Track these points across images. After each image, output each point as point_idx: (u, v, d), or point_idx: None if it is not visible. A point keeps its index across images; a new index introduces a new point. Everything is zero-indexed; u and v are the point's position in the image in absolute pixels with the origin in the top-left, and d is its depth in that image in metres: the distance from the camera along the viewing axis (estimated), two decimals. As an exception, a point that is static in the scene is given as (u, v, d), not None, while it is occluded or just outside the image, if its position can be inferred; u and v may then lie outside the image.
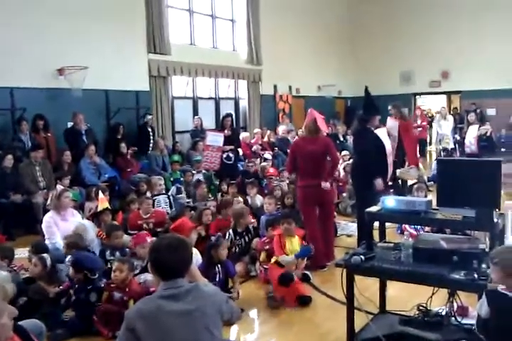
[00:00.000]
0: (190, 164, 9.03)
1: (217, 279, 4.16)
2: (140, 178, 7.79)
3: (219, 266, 4.23)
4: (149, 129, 9.35)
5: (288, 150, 10.47)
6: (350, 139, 10.11)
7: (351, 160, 6.98)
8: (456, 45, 14.82)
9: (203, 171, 8.51)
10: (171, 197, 6.81)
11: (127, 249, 4.71)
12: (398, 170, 7.03)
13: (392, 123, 6.85)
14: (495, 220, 3.08)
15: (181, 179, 8.18)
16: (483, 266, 2.88)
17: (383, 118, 6.51)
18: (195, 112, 11.38)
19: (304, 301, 4.17)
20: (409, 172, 6.91)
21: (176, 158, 9.01)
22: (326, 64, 15.46)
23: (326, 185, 5.12)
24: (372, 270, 3.12)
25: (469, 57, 14.63)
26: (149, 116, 9.42)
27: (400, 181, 7.38)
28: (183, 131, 10.91)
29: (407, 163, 7.22)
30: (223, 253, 4.26)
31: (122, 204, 6.46)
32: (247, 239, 5.24)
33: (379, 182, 5.39)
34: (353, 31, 16.69)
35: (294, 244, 4.60)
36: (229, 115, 9.28)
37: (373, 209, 3.48)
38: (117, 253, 4.58)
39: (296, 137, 9.61)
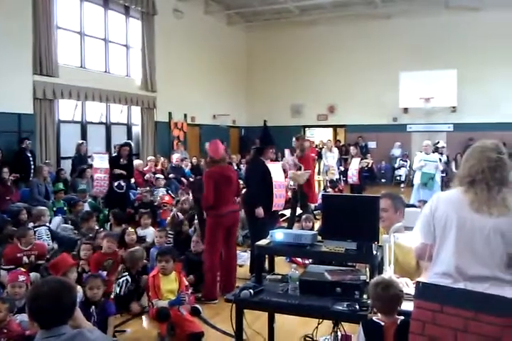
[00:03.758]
0: (75, 193, 8.52)
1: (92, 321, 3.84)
2: (19, 207, 7.20)
3: (93, 307, 3.92)
4: (28, 154, 8.75)
5: (182, 179, 10.51)
6: (243, 168, 10.30)
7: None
8: (343, 82, 15.96)
9: (89, 200, 8.11)
10: (54, 229, 6.36)
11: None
12: (290, 172, 7.34)
13: (288, 155, 7.15)
14: (374, 252, 3.29)
15: (65, 209, 7.70)
16: (365, 296, 3.04)
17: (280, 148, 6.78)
18: (84, 137, 10.91)
19: (196, 338, 4.07)
20: (301, 175, 7.12)
21: (61, 186, 8.49)
22: (221, 93, 15.78)
23: (259, 211, 5.46)
24: (260, 304, 3.15)
25: (354, 94, 15.81)
26: (27, 141, 8.82)
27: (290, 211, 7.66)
28: (69, 157, 10.37)
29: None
30: (95, 294, 3.95)
31: (-3, 236, 5.89)
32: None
33: (259, 211, 5.65)
34: (248, 63, 17.31)
35: (171, 281, 4.41)
36: (127, 144, 8.98)
37: (263, 242, 3.55)
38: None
39: (202, 165, 9.45)
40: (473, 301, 2.16)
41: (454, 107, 14.61)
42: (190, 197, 8.32)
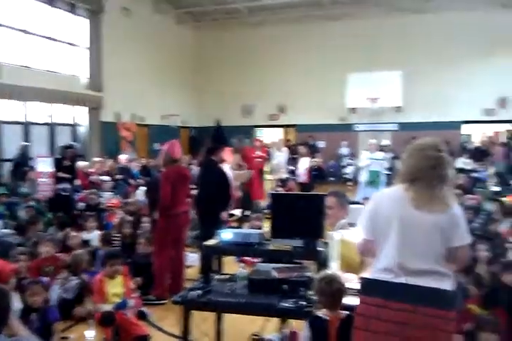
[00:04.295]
0: (17, 196, 8.17)
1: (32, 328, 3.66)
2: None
3: (34, 314, 3.76)
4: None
5: (130, 180, 10.29)
6: (194, 168, 10.20)
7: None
8: (293, 83, 16.13)
9: (31, 203, 7.80)
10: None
11: None
12: (234, 172, 7.37)
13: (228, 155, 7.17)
14: (320, 249, 3.33)
15: (5, 213, 7.36)
16: (310, 292, 3.07)
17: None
18: (26, 138, 10.49)
19: (141, 342, 3.99)
20: (242, 175, 7.15)
21: (2, 190, 8.12)
22: (170, 93, 15.59)
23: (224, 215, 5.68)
24: (208, 304, 3.13)
25: (303, 94, 16.01)
26: None
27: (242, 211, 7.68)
28: (9, 160, 9.93)
29: None
30: (35, 300, 3.80)
31: None
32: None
33: (224, 215, 5.79)
34: (199, 63, 17.19)
35: (117, 285, 4.28)
36: (71, 146, 8.78)
37: (211, 242, 3.53)
38: None
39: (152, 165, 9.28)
40: (414, 295, 2.22)
41: (398, 107, 15.06)
42: (139, 198, 8.17)
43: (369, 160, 9.11)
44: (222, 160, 6.29)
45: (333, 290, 2.65)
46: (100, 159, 10.89)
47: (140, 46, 13.94)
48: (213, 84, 16.97)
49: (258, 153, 12.05)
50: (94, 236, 6.19)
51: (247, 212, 7.82)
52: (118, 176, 10.17)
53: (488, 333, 3.20)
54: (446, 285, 2.25)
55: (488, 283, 4.14)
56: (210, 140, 6.40)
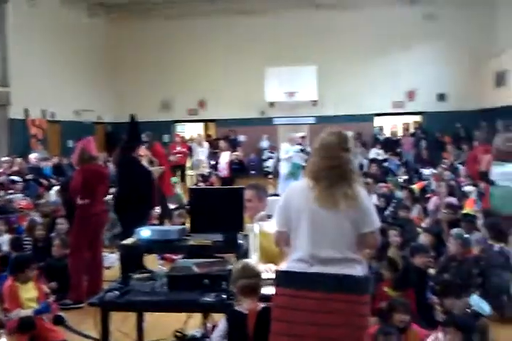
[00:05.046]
0: None
1: None
2: None
3: None
4: None
5: (42, 180, 9.76)
6: (110, 166, 9.86)
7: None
8: (212, 77, 16.02)
9: None
10: None
11: None
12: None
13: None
14: (240, 242, 3.35)
15: None
16: (232, 286, 3.08)
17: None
18: None
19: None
20: (154, 171, 7.06)
21: None
22: (84, 88, 14.91)
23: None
24: (128, 305, 3.04)
25: (223, 88, 15.96)
26: None
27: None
28: None
29: None
30: None
31: None
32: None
33: (152, 213, 5.89)
34: (115, 57, 16.57)
35: (30, 290, 4.08)
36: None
37: (129, 241, 3.43)
38: None
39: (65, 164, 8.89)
40: (327, 283, 2.29)
41: (315, 101, 15.50)
42: (52, 199, 7.79)
43: (291, 152, 9.33)
44: (140, 157, 6.13)
45: (249, 280, 2.67)
46: (8, 158, 10.26)
47: (50, 39, 13.22)
48: (131, 79, 16.49)
49: (179, 148, 11.95)
50: (3, 240, 5.82)
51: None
52: (28, 176, 9.63)
53: (399, 314, 3.39)
54: (358, 271, 2.34)
55: (400, 266, 4.39)
56: (125, 136, 6.23)
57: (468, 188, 7.56)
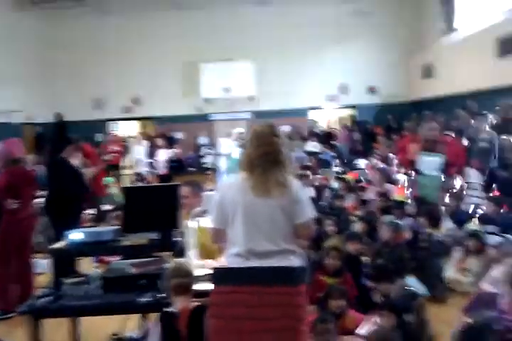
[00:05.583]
0: None
1: None
2: None
3: None
4: None
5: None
6: (41, 168, 9.42)
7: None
8: (146, 74, 15.61)
9: None
10: None
11: None
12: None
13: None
14: (176, 239, 3.31)
15: None
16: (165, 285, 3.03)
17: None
18: None
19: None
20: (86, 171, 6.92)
21: None
22: (11, 87, 14.05)
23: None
24: (60, 310, 2.93)
25: (158, 85, 15.57)
26: None
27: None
28: None
29: None
30: None
31: None
32: None
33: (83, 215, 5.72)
34: (44, 55, 15.70)
35: None
36: None
37: (59, 245, 3.30)
38: None
39: None
40: (263, 277, 2.29)
41: (251, 96, 15.54)
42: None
43: (230, 147, 9.36)
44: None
45: (180, 279, 2.65)
46: None
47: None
48: (61, 77, 15.78)
49: (113, 148, 11.63)
50: None
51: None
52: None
53: (335, 300, 3.47)
54: (294, 262, 2.36)
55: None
56: (53, 137, 5.98)
57: (398, 176, 7.89)
